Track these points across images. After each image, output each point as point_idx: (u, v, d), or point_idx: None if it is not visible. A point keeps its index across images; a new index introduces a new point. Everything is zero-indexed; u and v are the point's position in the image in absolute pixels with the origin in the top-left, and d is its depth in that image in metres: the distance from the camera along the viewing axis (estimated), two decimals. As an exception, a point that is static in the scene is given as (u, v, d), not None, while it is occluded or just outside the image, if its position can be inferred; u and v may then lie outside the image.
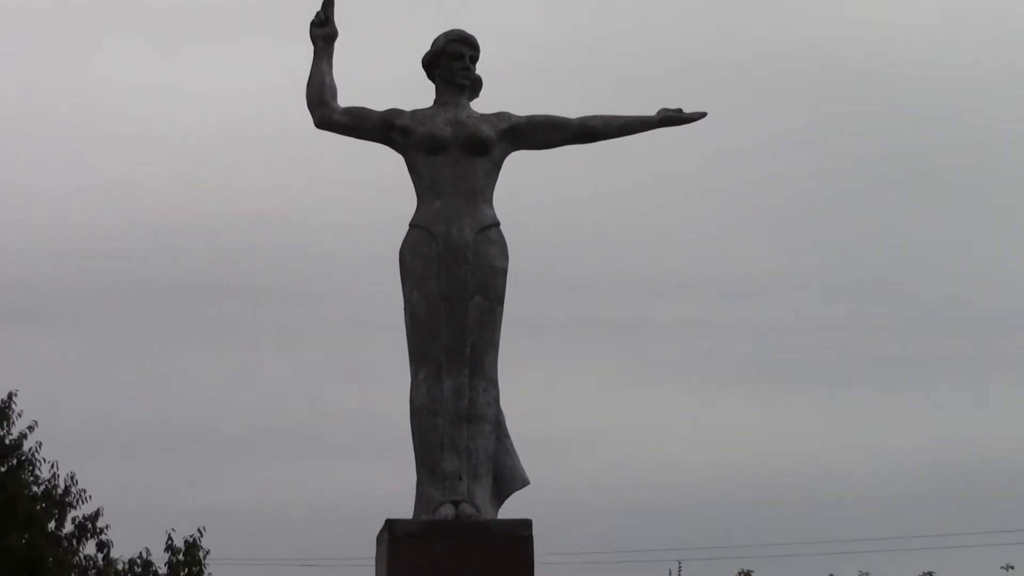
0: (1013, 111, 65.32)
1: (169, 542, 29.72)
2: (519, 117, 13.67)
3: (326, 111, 13.65)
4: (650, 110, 13.88)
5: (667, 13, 65.34)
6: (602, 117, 13.79)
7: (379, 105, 13.76)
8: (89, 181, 66.01)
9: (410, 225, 13.49)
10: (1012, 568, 27.11)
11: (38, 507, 28.90)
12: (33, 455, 29.40)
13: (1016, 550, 38.70)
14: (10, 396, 29.30)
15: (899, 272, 64.34)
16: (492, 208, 13.53)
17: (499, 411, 13.57)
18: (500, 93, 13.90)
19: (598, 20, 65.60)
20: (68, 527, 29.66)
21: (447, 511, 13.19)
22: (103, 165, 66.34)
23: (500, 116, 13.66)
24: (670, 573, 31.58)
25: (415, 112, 13.63)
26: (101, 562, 29.79)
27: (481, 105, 13.86)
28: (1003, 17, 67.22)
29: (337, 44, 13.89)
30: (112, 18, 71.30)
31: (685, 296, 65.97)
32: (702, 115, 13.80)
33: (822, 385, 66.18)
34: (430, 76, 13.83)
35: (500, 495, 13.79)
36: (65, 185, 65.34)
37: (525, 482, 13.93)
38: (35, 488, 29.25)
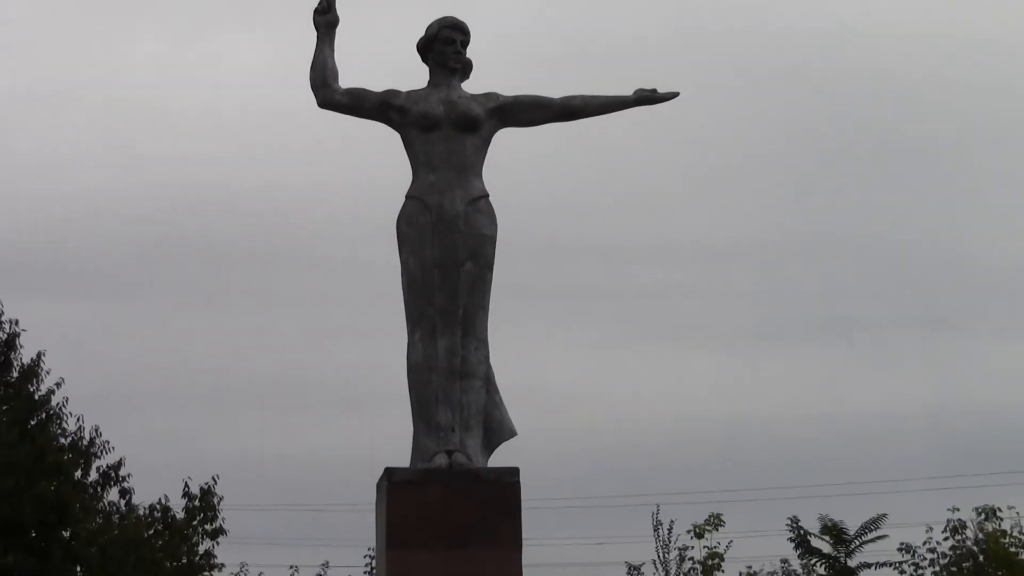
0: (968, 84, 65.32)
1: (186, 489, 29.73)
2: (506, 97, 13.65)
3: (328, 92, 13.62)
4: (627, 90, 13.86)
5: (645, 10, 65.26)
6: (583, 97, 13.77)
7: (377, 86, 13.73)
8: (117, 155, 65.99)
9: (406, 197, 13.48)
10: (957, 510, 27.23)
11: (65, 457, 28.87)
12: (60, 409, 29.37)
13: (962, 493, 38.90)
14: (39, 355, 29.26)
15: (857, 239, 64.36)
16: (482, 181, 13.52)
17: (489, 368, 13.57)
18: (489, 75, 13.86)
19: (582, 8, 65.49)
20: (93, 476, 29.64)
21: (441, 460, 13.19)
22: (130, 140, 66.23)
23: (489, 96, 13.64)
24: (653, 516, 31.44)
25: (410, 93, 13.61)
26: (123, 508, 29.77)
27: (471, 86, 13.83)
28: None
29: (338, 30, 13.86)
30: (139, 7, 71.09)
31: (660, 262, 66.03)
32: (675, 95, 13.78)
33: (785, 343, 66.37)
34: (424, 59, 13.80)
35: (490, 445, 13.80)
36: (96, 158, 65.25)
37: (512, 433, 13.94)
38: (62, 440, 29.22)
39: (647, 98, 13.72)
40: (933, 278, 64.94)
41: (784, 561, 30.95)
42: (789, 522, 30.70)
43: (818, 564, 30.57)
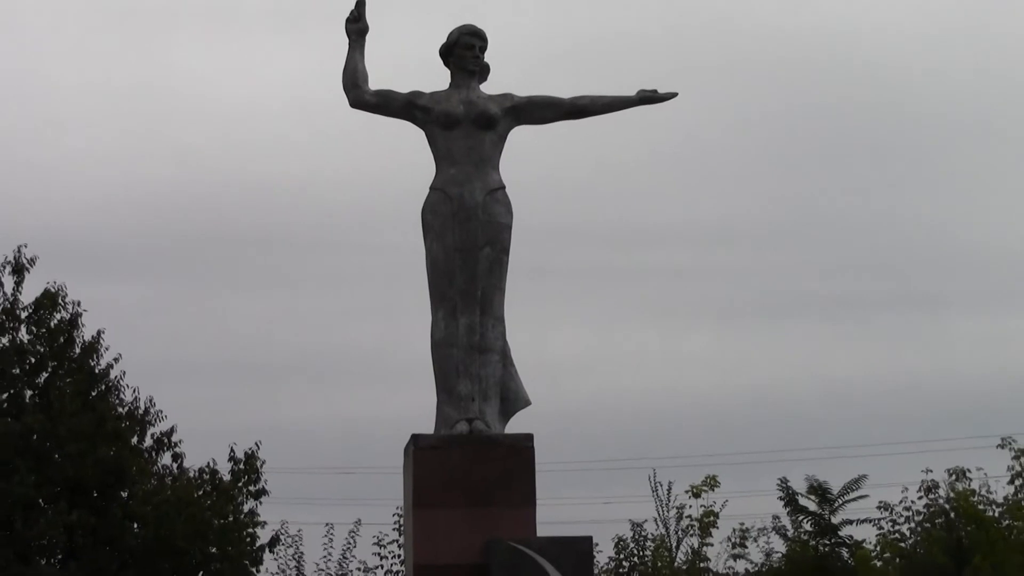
0: (946, 76, 65.08)
1: (231, 454, 29.72)
2: (521, 97, 13.63)
3: (359, 93, 13.61)
4: (630, 91, 13.83)
5: (650, 12, 65.14)
6: (590, 97, 13.75)
7: (403, 88, 13.71)
8: (161, 149, 65.99)
9: (430, 188, 13.47)
10: (931, 471, 27.18)
11: (123, 425, 28.90)
12: (118, 382, 29.41)
13: (935, 456, 38.89)
14: (99, 333, 29.30)
15: (839, 223, 64.30)
16: (499, 173, 13.50)
17: (505, 343, 13.56)
18: (505, 77, 13.84)
19: (590, 18, 65.38)
20: (148, 442, 29.67)
21: (462, 427, 13.19)
22: (172, 135, 66.25)
23: (505, 96, 13.62)
24: (650, 479, 31.44)
25: (433, 93, 13.59)
26: (175, 471, 29.81)
27: (489, 87, 13.81)
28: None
29: (368, 37, 13.84)
30: (178, 14, 71.10)
31: (660, 246, 65.99)
32: (674, 95, 13.75)
33: (773, 319, 66.27)
34: (446, 63, 13.78)
35: (506, 413, 13.78)
36: (143, 152, 65.29)
37: (527, 403, 13.93)
38: (120, 409, 29.25)
39: (648, 98, 13.70)
40: (911, 259, 64.82)
41: (775, 518, 30.93)
42: (779, 483, 30.69)
43: (805, 521, 30.53)
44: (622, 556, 29.96)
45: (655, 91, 13.67)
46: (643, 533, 30.30)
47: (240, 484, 29.53)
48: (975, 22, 66.64)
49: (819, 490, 30.57)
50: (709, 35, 65.32)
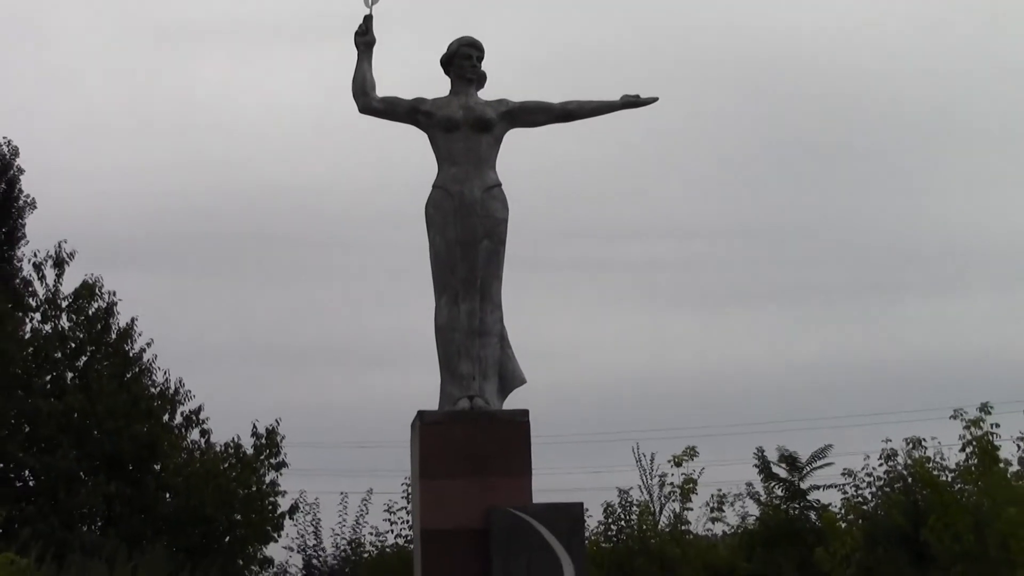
0: (895, 92, 65.09)
1: (254, 429, 29.69)
2: (515, 103, 13.59)
3: (367, 100, 13.57)
4: (614, 96, 13.79)
5: (626, 25, 65.10)
6: (577, 102, 13.71)
7: (407, 95, 13.67)
8: (190, 156, 65.99)
9: (432, 186, 13.43)
10: (889, 441, 27.08)
11: (155, 404, 28.87)
12: (151, 364, 29.37)
13: (893, 427, 39.01)
14: (133, 320, 29.27)
15: (804, 220, 64.40)
16: (495, 172, 13.46)
17: (503, 327, 13.52)
18: (500, 85, 13.81)
19: (576, 28, 65.38)
20: (178, 419, 29.64)
21: (464, 404, 13.16)
22: (199, 145, 66.24)
23: (500, 102, 13.58)
24: (634, 450, 31.38)
25: (435, 100, 13.55)
26: (203, 445, 29.78)
27: (485, 94, 13.76)
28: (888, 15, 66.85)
29: (374, 49, 13.80)
30: (205, 34, 71.05)
31: (643, 240, 66.02)
32: (654, 99, 13.70)
33: (746, 304, 66.29)
34: (446, 72, 13.73)
35: (504, 391, 13.75)
36: (173, 159, 65.24)
37: (523, 381, 13.90)
38: (153, 389, 29.22)
39: (631, 103, 13.65)
40: (870, 251, 64.87)
41: (748, 485, 30.85)
42: (756, 452, 30.62)
43: (776, 487, 30.48)
44: (610, 520, 29.88)
45: (637, 96, 13.63)
46: (629, 499, 30.22)
47: (262, 457, 29.50)
48: (927, 25, 66.52)
49: (789, 459, 30.52)
50: (685, 46, 65.22)
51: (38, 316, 29.17)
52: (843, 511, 27.85)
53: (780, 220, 65.05)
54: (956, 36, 65.73)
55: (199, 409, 29.95)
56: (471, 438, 13.33)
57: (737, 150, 65.34)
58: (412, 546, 24.82)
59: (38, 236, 31.11)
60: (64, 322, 29.05)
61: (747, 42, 63.51)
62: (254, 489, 28.98)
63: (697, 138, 65.67)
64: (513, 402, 13.98)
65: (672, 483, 30.92)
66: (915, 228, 64.19)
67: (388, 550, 29.01)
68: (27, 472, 27.41)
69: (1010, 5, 63.96)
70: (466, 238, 13.24)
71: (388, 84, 13.82)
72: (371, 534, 29.43)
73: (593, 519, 29.39)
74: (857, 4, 66.68)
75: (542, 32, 64.89)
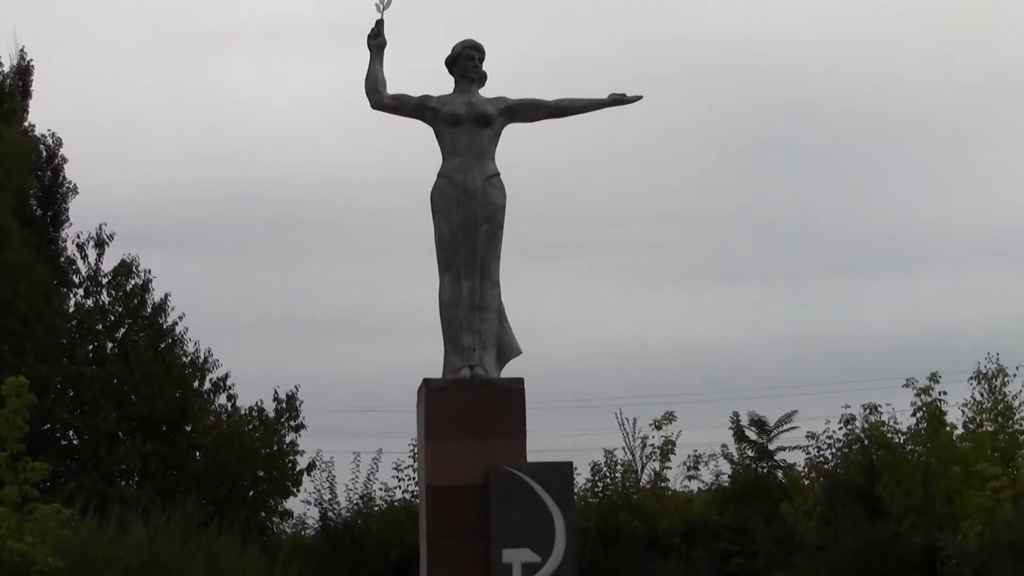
0: (862, 85, 64.96)
1: (276, 395, 29.68)
2: (513, 100, 13.53)
3: (379, 97, 13.50)
4: (603, 94, 13.72)
5: (615, 33, 64.92)
6: (570, 99, 13.64)
7: (415, 92, 13.60)
8: (219, 148, 65.79)
9: (437, 175, 13.38)
10: (848, 407, 27.09)
11: (186, 371, 28.85)
12: (182, 336, 29.35)
13: (852, 394, 39.03)
14: (166, 296, 29.22)
15: (773, 208, 64.36)
16: (495, 163, 13.41)
17: (501, 303, 13.49)
18: (499, 83, 13.75)
19: (569, 34, 65.19)
20: (207, 385, 29.62)
21: (465, 372, 13.13)
22: (226, 138, 66.04)
23: (499, 99, 13.52)
24: (617, 415, 31.42)
25: (440, 97, 13.48)
26: (230, 409, 29.76)
27: (486, 92, 13.70)
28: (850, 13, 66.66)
29: (386, 50, 13.73)
30: (230, 36, 70.77)
31: (627, 226, 65.91)
32: (639, 98, 13.63)
33: (719, 285, 66.22)
34: (450, 71, 13.66)
35: (502, 361, 13.73)
36: (203, 150, 65.04)
37: (519, 352, 13.87)
38: (184, 358, 29.19)
39: (618, 100, 13.58)
40: (833, 236, 64.79)
41: (723, 446, 30.89)
42: (731, 416, 30.68)
43: (747, 448, 30.53)
44: (597, 478, 29.92)
45: (624, 95, 13.57)
46: (614, 459, 30.25)
47: (283, 420, 29.50)
48: (884, 30, 66.36)
49: (758, 423, 30.57)
50: (663, 50, 65.03)
51: (81, 292, 29.16)
52: (806, 470, 27.90)
53: (752, 208, 64.99)
54: (914, 45, 65.57)
55: (226, 376, 29.96)
56: (472, 403, 13.31)
57: (713, 146, 65.23)
58: (418, 500, 24.84)
59: (80, 219, 31.09)
60: (104, 297, 29.02)
61: (725, 49, 63.34)
62: (275, 448, 28.99)
63: (677, 135, 65.59)
64: (510, 371, 13.95)
65: (653, 445, 31.00)
66: (874, 217, 64.19)
67: (396, 504, 29.02)
68: (71, 432, 27.41)
69: (963, 19, 63.80)
70: (467, 223, 13.19)
71: (398, 82, 13.76)
72: (381, 490, 29.46)
73: (581, 477, 29.46)
74: (822, 18, 66.54)
75: (538, 38, 64.71)
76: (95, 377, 27.24)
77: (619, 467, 30.20)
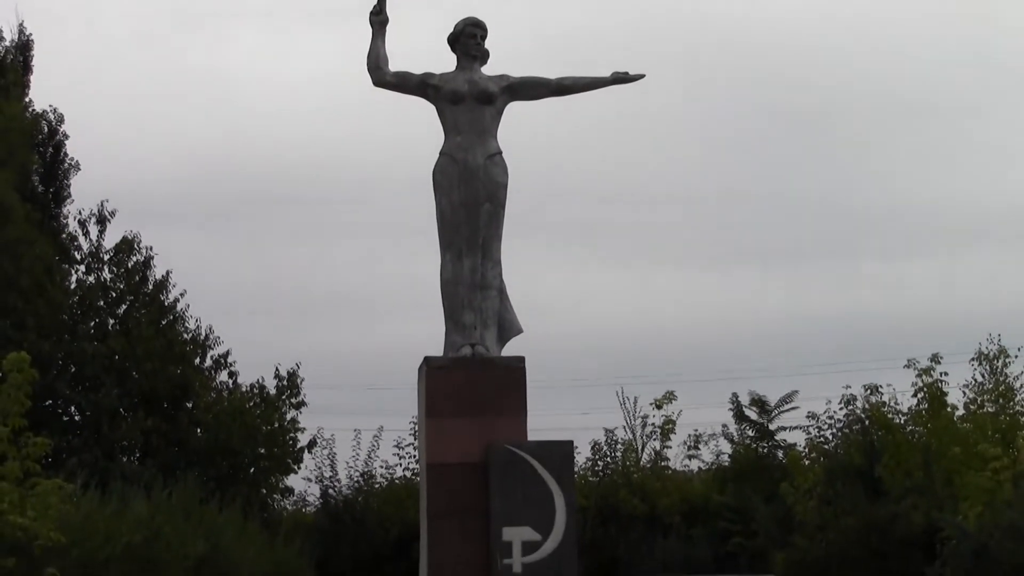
0: (851, 67, 64.82)
1: (276, 372, 29.70)
2: (515, 78, 13.51)
3: (380, 74, 13.47)
4: (605, 72, 13.70)
5: (619, 12, 64.69)
6: (572, 77, 13.62)
7: (417, 70, 13.58)
8: (221, 123, 65.71)
9: (440, 153, 13.36)
10: (849, 387, 27.11)
11: (188, 348, 28.86)
12: (184, 313, 29.34)
13: (853, 375, 39.08)
14: (168, 273, 29.19)
15: (774, 189, 64.18)
16: (497, 141, 13.40)
17: (502, 282, 13.50)
18: (501, 61, 13.73)
19: (572, 12, 64.98)
20: (208, 362, 29.64)
21: (466, 351, 13.15)
22: (229, 115, 65.94)
23: (502, 77, 13.50)
24: (618, 394, 31.50)
25: (442, 74, 13.46)
26: (231, 386, 29.79)
27: (488, 69, 13.68)
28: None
29: (387, 27, 13.69)
30: (241, 13, 70.57)
31: (628, 204, 65.85)
32: (642, 76, 13.60)
33: (721, 264, 66.15)
34: (452, 49, 13.63)
35: (502, 340, 13.74)
36: (205, 126, 64.96)
37: (520, 331, 13.88)
38: (185, 335, 29.20)
39: (620, 79, 13.56)
40: (830, 218, 64.73)
41: (724, 426, 30.98)
42: (731, 396, 30.76)
43: (747, 428, 30.60)
44: (597, 457, 30.01)
45: (626, 73, 13.54)
46: (614, 438, 30.35)
47: (284, 397, 29.53)
48: (884, 9, 66.18)
49: (759, 403, 30.65)
50: (664, 27, 64.86)
51: (82, 268, 29.17)
52: (807, 450, 27.94)
53: (753, 188, 64.89)
54: (910, 23, 65.36)
55: (227, 353, 29.96)
56: (472, 382, 13.34)
57: (714, 125, 65.10)
58: (419, 478, 24.90)
59: (82, 196, 31.07)
60: (106, 274, 29.03)
61: (725, 27, 63.14)
62: (276, 426, 29.03)
63: (678, 114, 65.48)
64: (511, 349, 13.96)
65: (653, 424, 31.10)
66: (874, 198, 64.12)
67: (397, 482, 29.10)
68: (73, 408, 27.46)
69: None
70: (469, 201, 13.19)
71: (400, 60, 13.74)
72: (382, 467, 29.55)
73: (582, 455, 29.56)
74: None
75: (540, 15, 64.50)
76: (97, 353, 27.27)
77: (619, 446, 30.28)
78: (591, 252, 64.52)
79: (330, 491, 29.32)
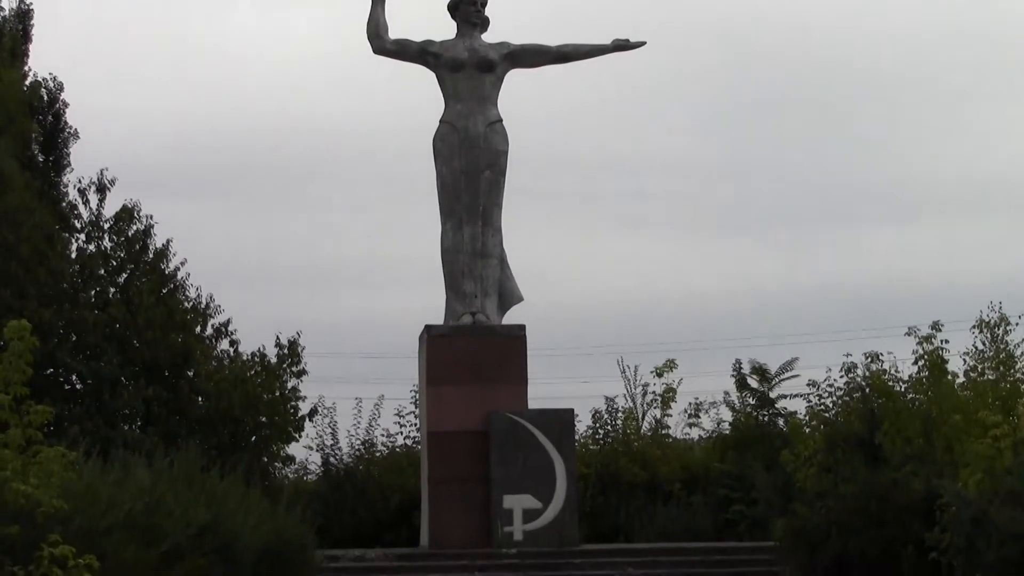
0: (850, 47, 64.52)
1: (277, 340, 29.69)
2: (516, 45, 13.48)
3: (380, 42, 13.45)
4: (606, 40, 13.67)
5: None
6: (573, 45, 13.59)
7: (417, 38, 13.54)
8: (218, 98, 65.50)
9: (440, 121, 13.35)
10: (850, 355, 27.10)
11: (189, 317, 28.84)
12: (184, 281, 29.31)
13: (854, 343, 39.08)
14: (168, 242, 29.13)
15: (774, 159, 64.05)
16: (497, 109, 13.38)
17: (503, 250, 13.51)
18: (502, 29, 13.67)
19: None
20: (209, 330, 29.63)
21: (467, 319, 13.18)
22: (228, 87, 65.70)
23: (502, 44, 13.47)
24: (619, 362, 31.49)
25: (443, 42, 13.44)
26: (232, 354, 29.80)
27: (489, 37, 13.64)
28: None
29: (388, -6, 13.61)
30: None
31: (630, 174, 65.67)
32: (643, 43, 13.57)
33: (721, 234, 66.07)
34: (453, 17, 13.61)
35: (503, 308, 13.77)
36: (203, 102, 64.74)
37: (520, 299, 13.91)
38: (186, 304, 29.18)
39: (622, 46, 13.53)
40: (831, 185, 64.58)
41: (726, 394, 30.98)
42: (734, 364, 30.74)
43: (749, 396, 30.61)
44: (598, 425, 30.02)
45: (627, 40, 13.52)
46: (615, 407, 30.36)
47: (285, 365, 29.53)
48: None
49: (760, 371, 30.64)
50: (672, 6, 64.49)
51: (83, 237, 29.15)
52: (807, 418, 27.99)
53: (752, 158, 64.73)
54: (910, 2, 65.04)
55: (228, 322, 29.96)
56: (473, 350, 13.37)
57: (715, 98, 64.85)
58: (420, 446, 24.96)
59: (82, 164, 30.98)
60: (106, 242, 29.02)
61: (727, 3, 62.76)
62: (277, 394, 29.06)
63: (679, 83, 65.20)
64: (511, 318, 13.99)
65: (654, 392, 31.13)
66: (874, 168, 63.96)
67: (398, 450, 29.14)
68: (74, 376, 27.50)
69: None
70: (470, 169, 13.20)
71: (400, 28, 13.70)
72: (383, 435, 29.58)
73: (582, 424, 29.55)
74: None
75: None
76: (98, 322, 27.29)
77: (620, 414, 30.30)
78: (593, 220, 64.47)
79: (331, 459, 29.38)
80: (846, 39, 63.28)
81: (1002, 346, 25.40)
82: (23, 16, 30.95)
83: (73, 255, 28.79)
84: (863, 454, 21.99)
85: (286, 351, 29.63)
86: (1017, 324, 25.42)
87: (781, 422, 29.84)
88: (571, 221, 64.24)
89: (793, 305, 60.46)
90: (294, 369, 29.65)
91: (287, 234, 62.92)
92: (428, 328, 13.63)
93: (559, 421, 18.11)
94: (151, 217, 29.16)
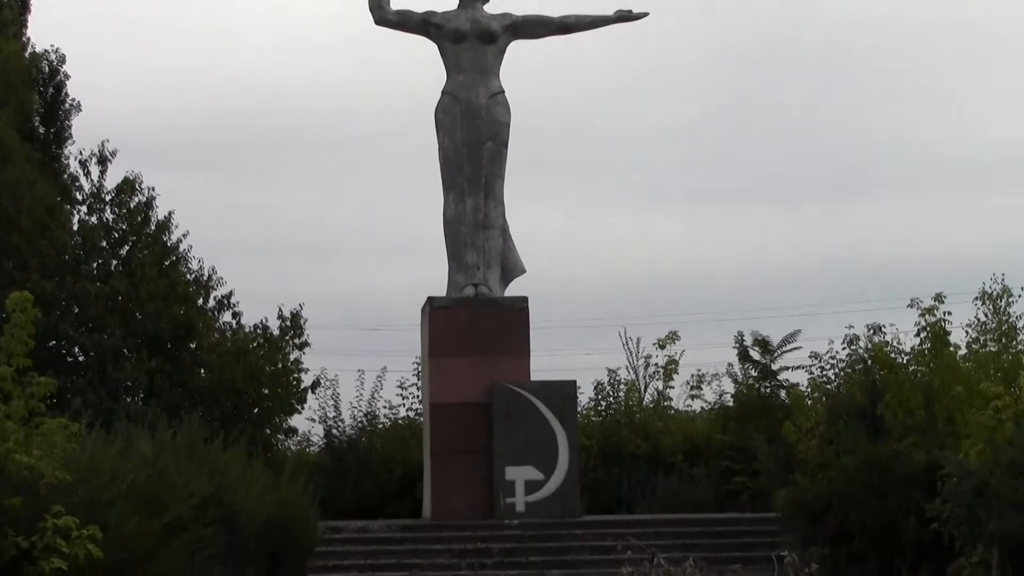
0: (854, 14, 64.23)
1: (280, 313, 29.72)
2: (518, 16, 13.44)
3: (382, 13, 13.41)
4: (608, 10, 13.63)
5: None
6: (575, 15, 13.55)
7: (419, 8, 13.49)
8: (220, 70, 65.28)
9: (442, 92, 13.33)
10: (852, 327, 27.11)
11: (191, 289, 28.88)
12: (187, 254, 29.33)
13: (856, 315, 39.10)
14: (170, 214, 29.13)
15: (776, 129, 63.85)
16: (499, 80, 13.35)
17: (505, 222, 13.51)
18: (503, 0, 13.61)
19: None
20: (211, 303, 29.66)
21: (469, 291, 13.19)
22: (230, 59, 65.50)
23: (505, 15, 13.43)
24: (621, 334, 31.52)
25: (445, 13, 13.40)
26: (234, 326, 29.84)
27: (491, 8, 13.59)
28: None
29: (389, -36, 13.54)
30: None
31: (632, 145, 65.47)
32: (645, 14, 13.53)
33: (723, 204, 65.97)
34: (455, -13, 13.53)
35: (506, 280, 13.78)
36: (207, 73, 64.56)
37: (523, 271, 13.91)
38: (189, 276, 29.20)
39: (624, 17, 13.49)
40: (836, 157, 64.40)
41: (729, 365, 31.03)
42: (736, 336, 30.77)
43: (751, 368, 30.65)
44: (600, 397, 30.07)
45: (630, 11, 13.47)
46: (617, 378, 30.40)
47: (287, 338, 29.57)
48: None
49: (762, 343, 30.68)
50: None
51: (84, 209, 29.14)
52: (809, 390, 28.03)
53: (756, 129, 64.50)
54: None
55: (230, 294, 30.00)
56: (475, 322, 13.39)
57: (719, 65, 64.60)
58: (422, 418, 25.02)
59: (83, 137, 30.92)
60: (108, 214, 29.02)
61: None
62: (280, 366, 29.11)
63: (683, 53, 64.94)
64: (514, 290, 13.99)
65: (656, 364, 31.19)
66: (879, 138, 63.72)
67: (400, 422, 29.21)
68: (77, 348, 27.54)
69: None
70: (472, 140, 13.18)
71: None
72: (385, 407, 29.65)
73: (585, 396, 29.59)
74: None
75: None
76: (100, 294, 27.32)
77: (622, 386, 30.36)
78: (595, 192, 64.37)
79: (334, 431, 29.46)
80: (852, 4, 63.13)
81: (1004, 318, 25.41)
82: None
83: (75, 227, 28.80)
84: (865, 425, 22.04)
85: (288, 323, 29.67)
86: (1019, 296, 25.43)
87: (783, 394, 29.89)
88: (574, 192, 64.19)
89: (796, 276, 60.44)
90: (296, 341, 29.69)
91: (289, 206, 62.90)
92: (430, 300, 13.64)
93: (561, 393, 18.13)
94: (153, 189, 29.17)
